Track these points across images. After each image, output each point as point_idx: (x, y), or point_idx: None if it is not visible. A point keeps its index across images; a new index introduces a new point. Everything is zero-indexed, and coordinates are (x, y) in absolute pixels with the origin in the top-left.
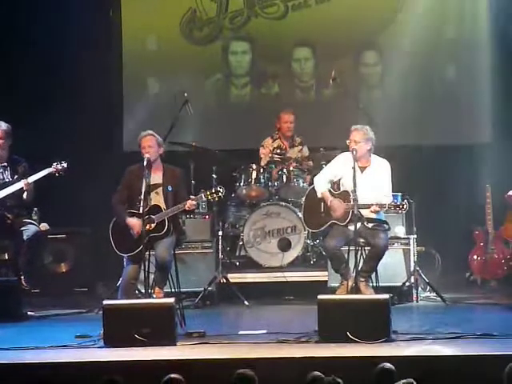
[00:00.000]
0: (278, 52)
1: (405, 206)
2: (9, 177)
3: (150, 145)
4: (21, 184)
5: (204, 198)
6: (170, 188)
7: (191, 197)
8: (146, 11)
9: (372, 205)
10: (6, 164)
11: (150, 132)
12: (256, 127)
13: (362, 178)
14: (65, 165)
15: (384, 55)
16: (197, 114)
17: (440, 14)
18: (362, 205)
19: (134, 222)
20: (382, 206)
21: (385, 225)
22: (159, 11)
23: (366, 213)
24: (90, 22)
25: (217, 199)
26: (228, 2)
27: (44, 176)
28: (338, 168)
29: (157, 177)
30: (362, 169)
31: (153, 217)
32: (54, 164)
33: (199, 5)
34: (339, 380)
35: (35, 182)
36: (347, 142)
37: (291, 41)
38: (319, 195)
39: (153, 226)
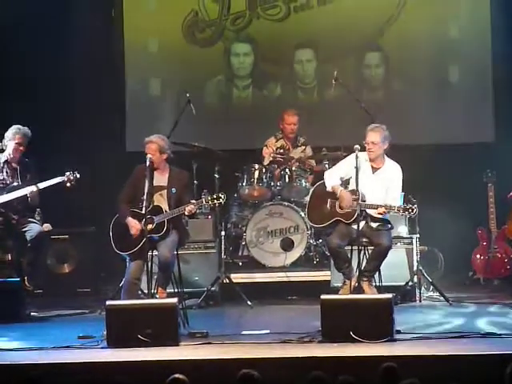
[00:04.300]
0: (279, 54)
1: (414, 210)
2: (18, 180)
3: (150, 152)
4: (27, 190)
5: (204, 203)
6: (174, 190)
7: (192, 201)
8: (147, 13)
9: (380, 206)
10: (16, 166)
11: (152, 138)
12: (258, 129)
13: (374, 178)
14: (77, 175)
15: (386, 56)
16: (198, 116)
17: (442, 14)
18: (370, 205)
19: (133, 224)
20: (391, 208)
21: (388, 224)
22: (161, 13)
23: (372, 213)
24: (92, 23)
25: (217, 205)
26: (230, 4)
27: (55, 184)
28: (351, 167)
29: (162, 179)
30: (375, 169)
31: (154, 217)
32: (67, 173)
33: (201, 6)
34: (351, 380)
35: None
36: (364, 143)
37: (293, 42)
38: (329, 188)
39: (152, 226)
